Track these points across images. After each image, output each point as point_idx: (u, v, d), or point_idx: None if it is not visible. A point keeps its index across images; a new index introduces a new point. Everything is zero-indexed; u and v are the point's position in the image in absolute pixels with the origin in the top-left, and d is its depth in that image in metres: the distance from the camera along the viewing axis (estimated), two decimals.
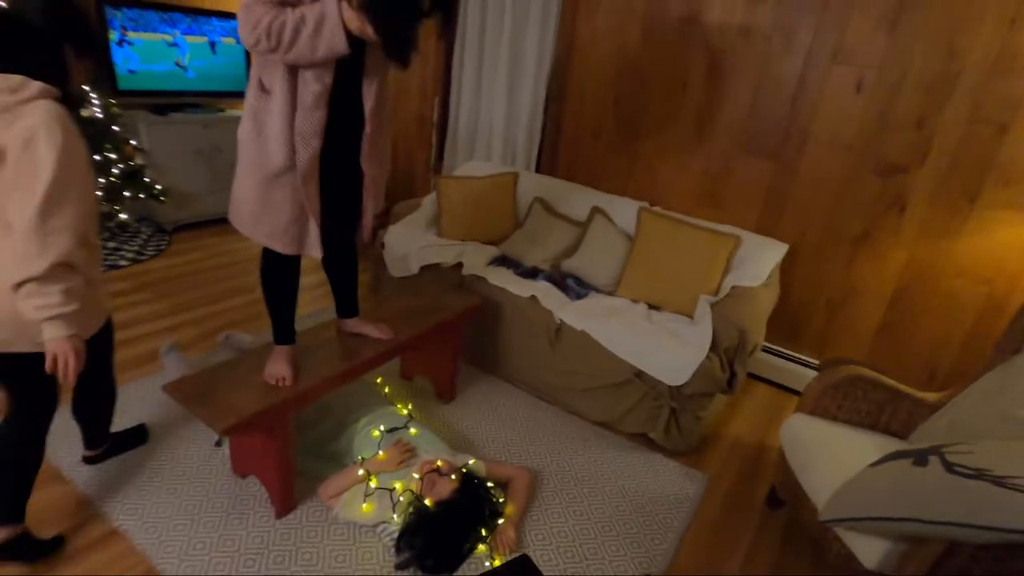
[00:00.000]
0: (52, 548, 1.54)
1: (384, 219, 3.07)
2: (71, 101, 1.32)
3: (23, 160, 1.16)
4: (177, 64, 3.68)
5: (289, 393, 1.60)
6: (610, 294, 2.60)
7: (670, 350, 2.13)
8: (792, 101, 2.56)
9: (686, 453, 2.26)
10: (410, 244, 2.81)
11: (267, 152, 1.45)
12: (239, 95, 4.05)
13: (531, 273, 2.68)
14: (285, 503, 1.73)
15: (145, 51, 3.51)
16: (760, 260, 2.48)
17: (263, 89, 1.44)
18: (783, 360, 2.81)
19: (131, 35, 3.42)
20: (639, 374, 2.19)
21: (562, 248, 2.80)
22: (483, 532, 1.65)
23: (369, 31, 1.33)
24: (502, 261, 2.80)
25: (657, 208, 2.79)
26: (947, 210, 2.34)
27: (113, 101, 3.24)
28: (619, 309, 2.42)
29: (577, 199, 2.97)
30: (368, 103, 1.54)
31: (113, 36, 3.34)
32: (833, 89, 2.46)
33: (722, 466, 2.24)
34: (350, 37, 1.33)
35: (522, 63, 3.30)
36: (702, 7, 2.68)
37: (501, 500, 1.76)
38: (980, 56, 2.15)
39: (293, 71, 1.39)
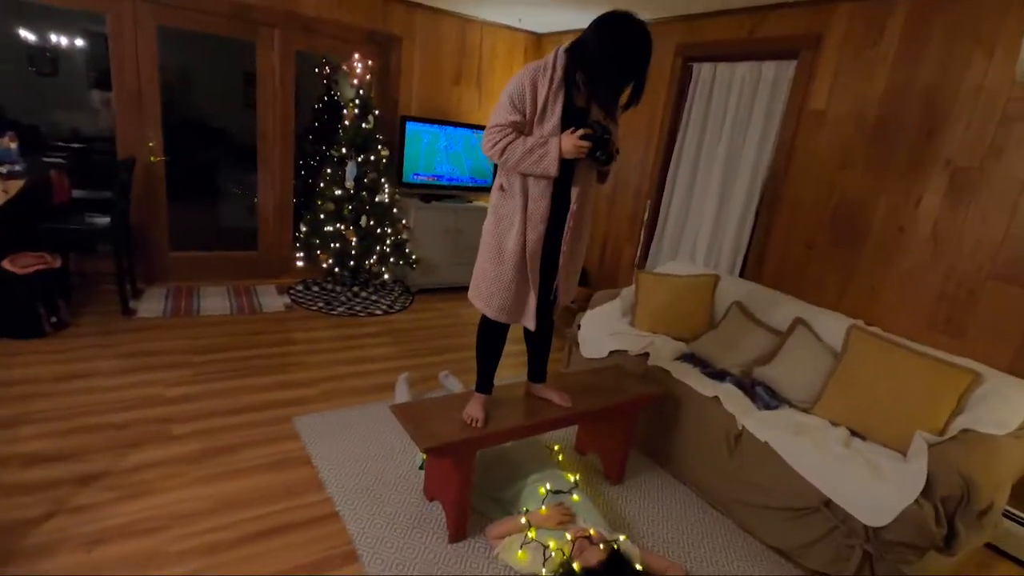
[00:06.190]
0: None
1: (584, 304, 3.37)
2: None
3: None
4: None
5: (478, 433, 1.90)
6: (805, 411, 2.42)
7: (870, 484, 1.91)
8: None
9: None
10: (603, 329, 3.03)
11: (504, 239, 1.86)
12: (482, 190, 4.92)
13: (718, 375, 2.66)
14: (458, 531, 1.99)
15: (425, 156, 4.57)
16: (1008, 404, 2.08)
17: (502, 189, 1.86)
18: None
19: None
20: (828, 503, 1.99)
21: (756, 355, 2.72)
22: None
23: (583, 153, 1.70)
24: (690, 359, 2.83)
25: (875, 328, 2.56)
26: None
27: (397, 191, 4.26)
28: (812, 428, 2.25)
29: (779, 308, 2.88)
30: (576, 188, 1.87)
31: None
32: None
33: None
34: (562, 162, 1.72)
35: (736, 173, 3.43)
36: (943, 124, 2.52)
37: None
38: None
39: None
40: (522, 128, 1.77)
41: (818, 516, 2.02)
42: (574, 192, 1.87)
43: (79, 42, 5.49)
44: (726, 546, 2.18)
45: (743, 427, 2.27)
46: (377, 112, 4.09)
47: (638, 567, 1.76)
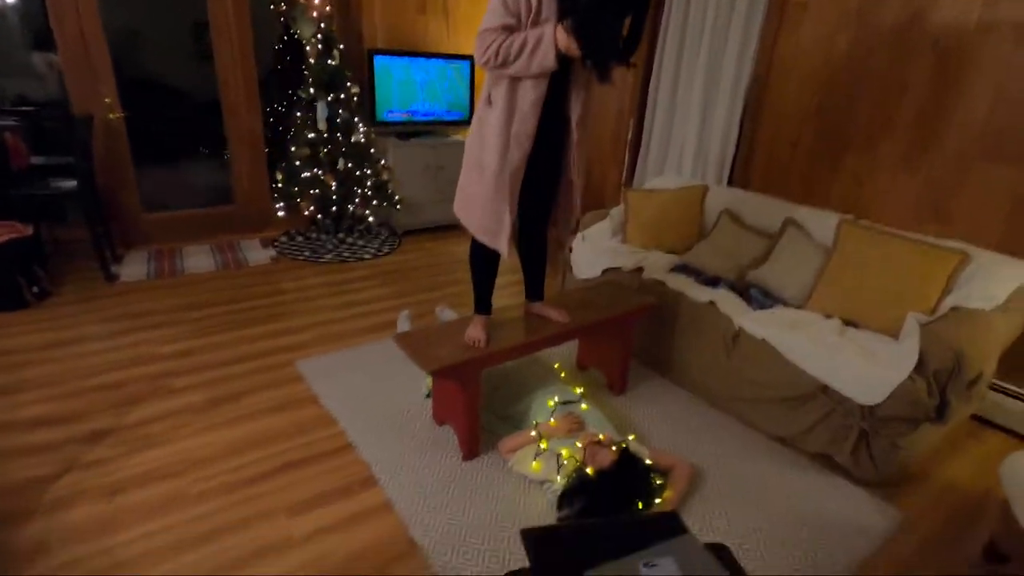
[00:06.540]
0: None
1: (575, 227, 3.34)
2: None
3: None
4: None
5: (481, 352, 1.91)
6: (798, 308, 2.47)
7: (865, 366, 1.97)
8: None
9: (878, 484, 2.03)
10: (595, 249, 3.02)
11: (486, 154, 1.80)
12: (460, 123, 4.76)
13: (712, 281, 2.68)
14: (471, 449, 2.03)
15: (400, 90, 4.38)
16: (995, 280, 2.13)
17: (489, 102, 1.79)
18: None
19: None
20: (824, 389, 2.06)
21: (749, 259, 2.73)
22: (639, 508, 1.73)
23: (574, 49, 1.59)
24: (683, 269, 2.84)
25: (864, 221, 2.57)
26: None
27: (372, 130, 4.11)
28: (807, 322, 2.29)
29: (769, 211, 2.87)
30: (575, 114, 1.81)
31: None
32: None
33: (926, 508, 1.97)
34: (560, 56, 1.61)
35: (718, 81, 3.33)
36: (928, 7, 2.44)
37: (659, 483, 1.83)
38: None
39: (514, 84, 1.71)
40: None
41: (815, 402, 2.09)
42: (574, 112, 1.81)
43: (9, 0, 5.08)
44: (729, 439, 2.26)
45: (740, 327, 2.31)
46: (342, 46, 3.88)
47: (648, 462, 1.83)
